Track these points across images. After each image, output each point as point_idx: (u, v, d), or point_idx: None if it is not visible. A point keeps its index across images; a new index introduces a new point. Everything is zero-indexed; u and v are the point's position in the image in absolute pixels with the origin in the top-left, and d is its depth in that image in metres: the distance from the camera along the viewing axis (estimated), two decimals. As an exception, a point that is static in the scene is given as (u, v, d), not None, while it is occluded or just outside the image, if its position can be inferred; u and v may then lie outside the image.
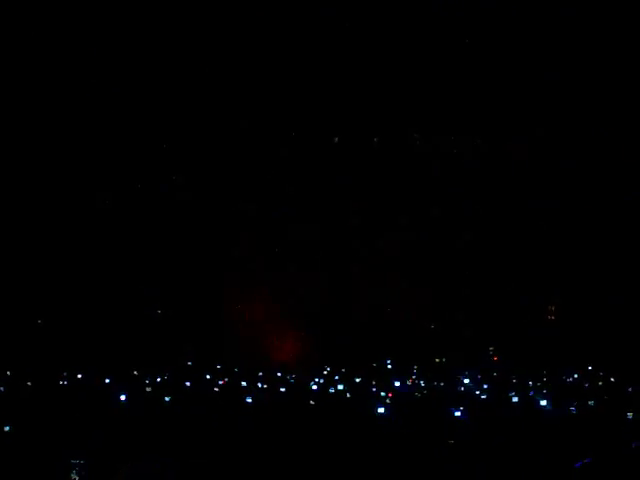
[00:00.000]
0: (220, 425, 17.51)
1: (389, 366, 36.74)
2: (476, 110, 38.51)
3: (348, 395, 24.99)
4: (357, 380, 30.00)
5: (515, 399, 22.09)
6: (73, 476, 12.30)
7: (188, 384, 27.64)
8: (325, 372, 34.06)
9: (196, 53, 36.93)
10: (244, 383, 27.66)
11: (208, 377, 30.15)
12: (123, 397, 21.77)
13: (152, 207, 38.40)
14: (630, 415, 17.62)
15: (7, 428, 15.30)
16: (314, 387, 27.22)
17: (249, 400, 21.62)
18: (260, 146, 38.96)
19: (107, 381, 27.08)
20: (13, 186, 36.29)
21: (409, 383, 29.61)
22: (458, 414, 18.85)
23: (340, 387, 25.99)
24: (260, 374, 32.45)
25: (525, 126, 38.53)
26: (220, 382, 28.80)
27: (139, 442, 15.24)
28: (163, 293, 38.28)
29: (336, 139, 39.60)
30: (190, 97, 37.72)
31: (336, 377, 33.01)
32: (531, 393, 23.46)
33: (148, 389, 24.25)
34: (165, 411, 19.97)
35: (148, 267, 37.91)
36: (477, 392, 22.60)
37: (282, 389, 26.37)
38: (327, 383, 28.19)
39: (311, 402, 22.16)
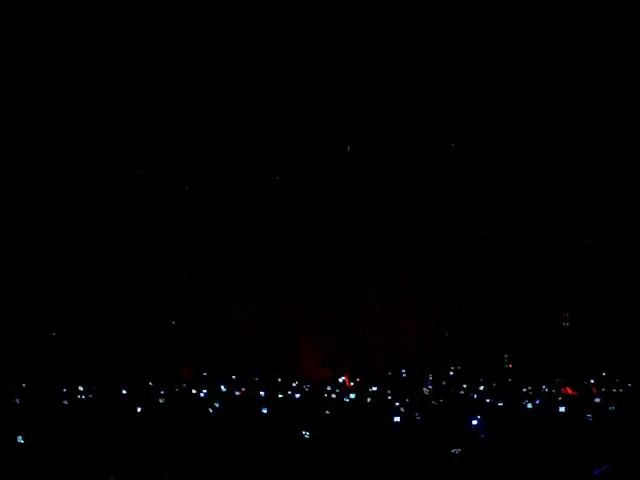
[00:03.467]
0: (237, 436, 17.53)
1: (404, 374, 36.77)
2: (481, 116, 38.51)
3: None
4: (373, 389, 30.03)
5: (530, 406, 22.08)
6: None
7: (203, 395, 27.73)
8: (340, 381, 34.15)
9: (203, 58, 36.97)
10: (262, 393, 27.73)
11: (223, 388, 30.24)
12: (139, 409, 21.85)
13: (161, 217, 38.43)
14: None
15: (20, 438, 15.35)
16: (333, 396, 27.29)
17: (265, 411, 21.63)
18: (267, 152, 39.00)
19: (124, 392, 27.18)
20: (18, 189, 36.37)
21: (426, 392, 29.57)
22: (475, 422, 18.82)
23: (352, 396, 26.00)
24: (278, 381, 32.60)
25: (532, 131, 38.46)
26: (237, 393, 28.88)
27: (157, 454, 15.26)
28: (173, 303, 38.28)
29: (349, 147, 39.63)
30: (195, 101, 37.75)
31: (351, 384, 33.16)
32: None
33: (161, 400, 24.30)
34: (182, 422, 20.00)
35: (159, 277, 37.93)
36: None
37: (297, 395, 26.46)
38: (342, 392, 28.21)
39: (327, 412, 22.16)
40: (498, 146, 39.44)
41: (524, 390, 29.58)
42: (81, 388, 28.33)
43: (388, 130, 39.00)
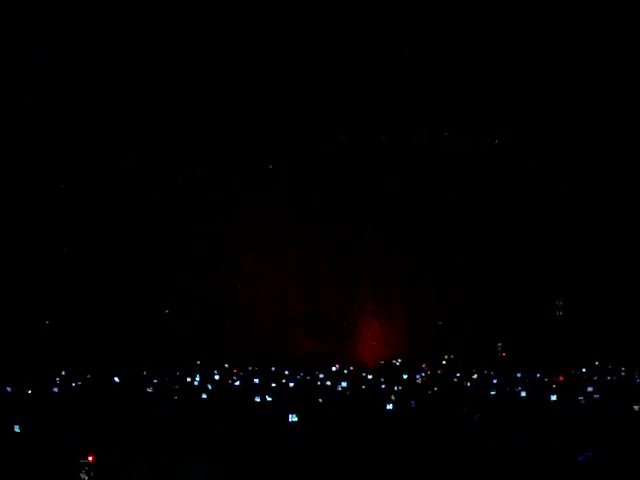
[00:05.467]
0: (231, 424, 17.56)
1: (397, 363, 36.88)
2: (481, 109, 38.49)
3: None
4: (368, 377, 30.12)
5: (523, 394, 22.14)
6: (82, 476, 12.35)
7: (196, 383, 27.79)
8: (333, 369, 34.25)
9: (200, 53, 36.92)
10: (256, 380, 27.83)
11: (217, 377, 30.29)
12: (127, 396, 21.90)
13: (157, 205, 38.44)
14: (637, 408, 17.64)
15: (17, 428, 15.36)
16: (328, 383, 27.38)
17: (258, 399, 21.70)
18: (264, 145, 39.00)
19: (116, 380, 27.23)
20: (16, 185, 36.39)
21: (419, 382, 29.64)
22: (466, 410, 18.90)
23: (344, 384, 26.08)
24: (271, 370, 32.72)
25: (531, 125, 38.48)
26: (230, 381, 28.93)
27: (148, 442, 15.28)
28: (169, 292, 38.32)
29: (342, 137, 39.59)
30: (195, 97, 37.73)
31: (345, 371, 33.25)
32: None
33: (149, 389, 24.33)
34: (174, 410, 20.05)
35: (155, 266, 37.94)
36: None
37: (291, 384, 26.55)
38: (335, 381, 28.26)
39: (319, 400, 22.19)
40: (494, 138, 39.49)
41: (518, 376, 29.75)
42: (63, 373, 28.41)
43: (382, 120, 39.04)
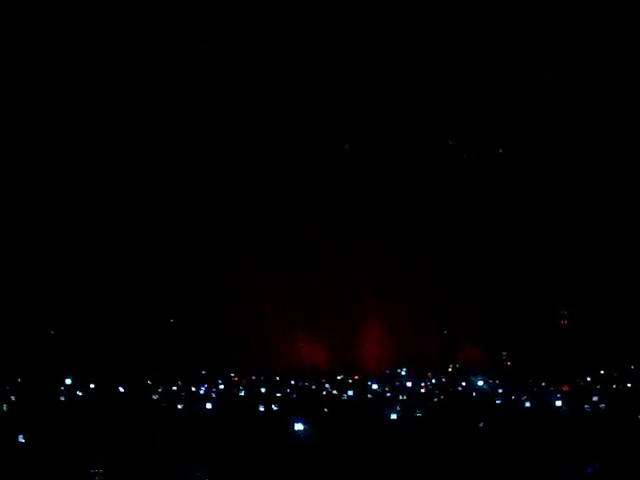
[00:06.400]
0: (236, 433, 17.58)
1: (403, 372, 36.84)
2: (482, 115, 38.52)
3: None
4: (373, 387, 30.11)
5: (528, 403, 22.17)
6: None
7: (202, 392, 27.82)
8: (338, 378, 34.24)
9: (203, 57, 36.98)
10: (263, 389, 27.86)
11: (222, 386, 30.31)
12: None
13: (162, 217, 38.45)
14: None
15: (21, 438, 15.36)
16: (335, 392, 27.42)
17: (262, 408, 21.75)
18: (267, 152, 39.04)
19: (121, 390, 27.24)
20: (18, 189, 36.42)
21: (423, 390, 29.64)
22: (472, 418, 18.89)
23: (350, 393, 26.08)
24: (276, 380, 32.72)
25: (532, 130, 38.50)
26: (235, 390, 28.93)
27: (153, 450, 15.30)
28: (174, 302, 38.30)
29: (347, 146, 39.62)
30: (198, 104, 37.79)
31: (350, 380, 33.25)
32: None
33: (155, 396, 24.37)
34: (178, 419, 20.09)
35: (159, 276, 37.94)
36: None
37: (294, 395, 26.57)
38: (340, 390, 28.25)
39: (325, 410, 22.22)
40: (496, 144, 39.53)
41: (522, 387, 29.69)
42: (68, 381, 28.44)
43: (386, 128, 39.08)
